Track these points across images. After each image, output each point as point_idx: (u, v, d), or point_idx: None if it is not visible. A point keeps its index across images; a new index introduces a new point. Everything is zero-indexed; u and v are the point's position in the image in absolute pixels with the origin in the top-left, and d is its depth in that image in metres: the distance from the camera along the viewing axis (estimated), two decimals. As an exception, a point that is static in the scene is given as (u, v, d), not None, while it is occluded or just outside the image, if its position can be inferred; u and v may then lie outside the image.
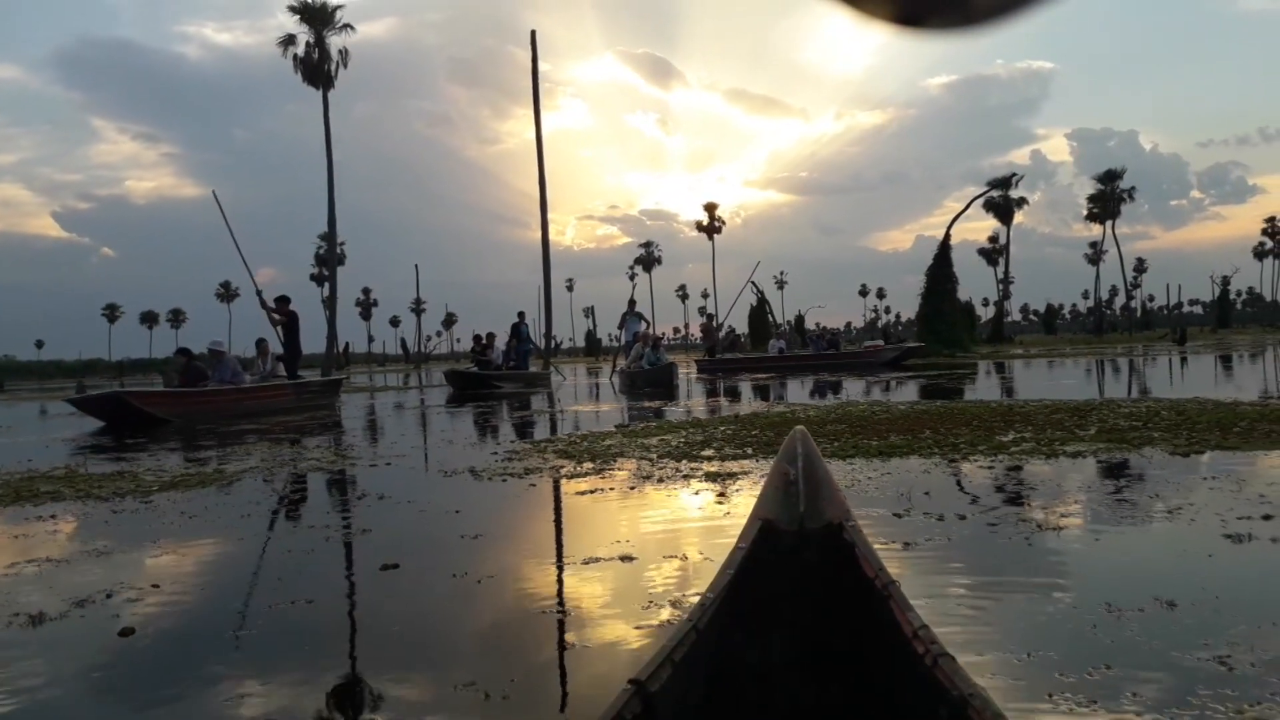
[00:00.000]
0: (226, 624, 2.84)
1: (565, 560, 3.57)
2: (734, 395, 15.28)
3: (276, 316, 16.12)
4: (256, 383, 15.30)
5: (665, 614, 2.69)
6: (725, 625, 1.40)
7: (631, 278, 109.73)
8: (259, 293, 16.15)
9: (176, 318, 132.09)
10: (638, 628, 2.59)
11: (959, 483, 4.96)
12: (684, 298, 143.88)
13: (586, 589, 3.08)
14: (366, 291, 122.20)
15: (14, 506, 5.32)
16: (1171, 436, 6.23)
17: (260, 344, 16.32)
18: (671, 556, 3.42)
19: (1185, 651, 2.19)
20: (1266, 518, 3.63)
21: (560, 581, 3.22)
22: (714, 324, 31.75)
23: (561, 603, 2.93)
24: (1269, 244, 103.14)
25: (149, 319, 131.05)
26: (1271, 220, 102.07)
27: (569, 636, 2.57)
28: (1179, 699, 1.92)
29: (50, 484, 6.12)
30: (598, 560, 3.41)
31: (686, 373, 24.63)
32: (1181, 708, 1.88)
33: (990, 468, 5.35)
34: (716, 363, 26.92)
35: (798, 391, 15.44)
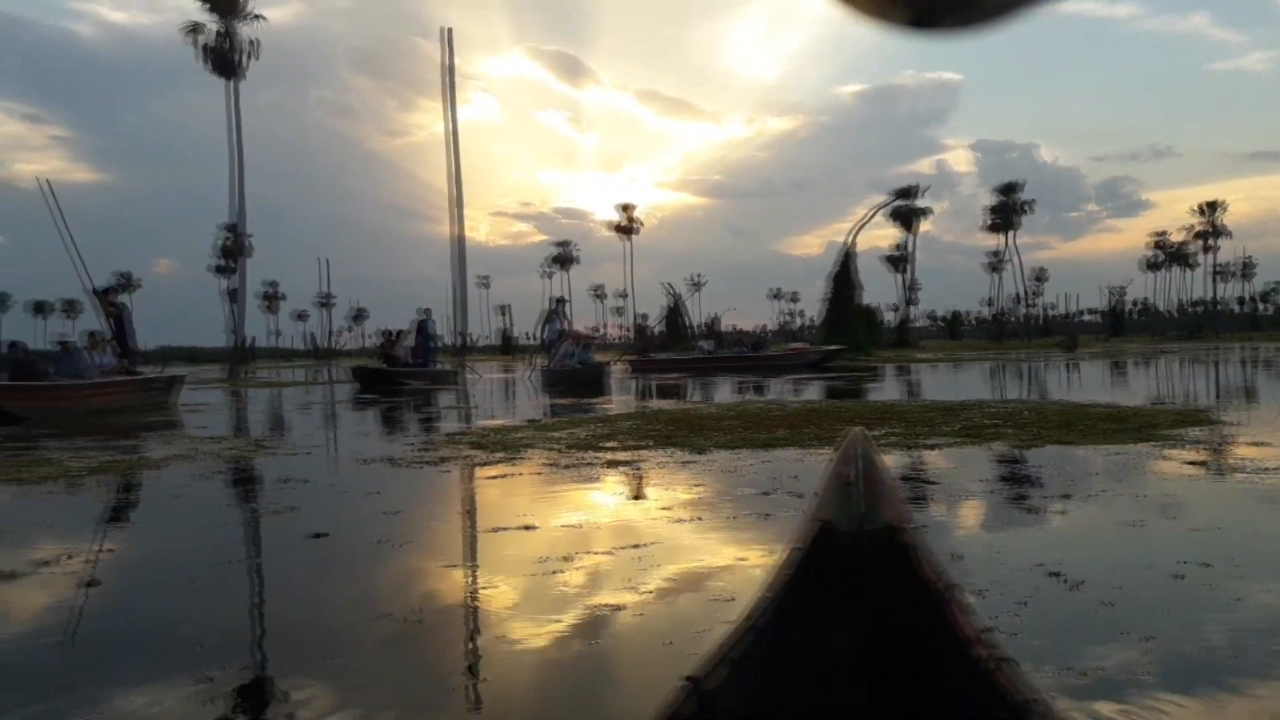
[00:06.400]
0: (178, 576, 3.30)
1: (474, 529, 4.11)
2: (652, 393, 15.90)
3: (110, 310, 15.27)
4: (101, 379, 14.23)
5: (555, 567, 3.25)
6: (783, 626, 1.41)
7: (548, 276, 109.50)
8: (95, 290, 15.19)
9: (71, 308, 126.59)
10: (531, 576, 3.15)
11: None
12: (600, 297, 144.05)
13: (492, 549, 3.63)
14: (273, 285, 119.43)
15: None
16: (1020, 433, 7.04)
17: (92, 336, 15.15)
18: (568, 526, 4.00)
19: (956, 588, 2.84)
20: (1065, 496, 4.37)
21: (469, 544, 3.76)
22: (647, 326, 32.24)
23: (469, 560, 3.48)
24: (1160, 256, 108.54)
25: (41, 309, 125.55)
26: (1161, 234, 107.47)
27: (472, 581, 3.12)
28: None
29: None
30: (503, 530, 3.95)
31: (618, 373, 25.13)
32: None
33: (856, 458, 6.04)
34: (649, 363, 27.46)
35: (715, 391, 16.13)
